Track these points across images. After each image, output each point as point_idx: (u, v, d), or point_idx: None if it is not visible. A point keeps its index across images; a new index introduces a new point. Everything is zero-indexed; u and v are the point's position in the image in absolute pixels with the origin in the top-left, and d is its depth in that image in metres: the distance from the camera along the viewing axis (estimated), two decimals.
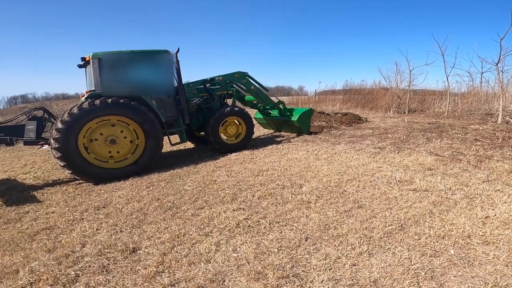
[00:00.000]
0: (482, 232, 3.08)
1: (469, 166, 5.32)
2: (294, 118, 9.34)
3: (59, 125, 5.66)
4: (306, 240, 3.19)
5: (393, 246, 2.94)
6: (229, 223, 3.66)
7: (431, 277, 2.45)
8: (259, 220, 3.71)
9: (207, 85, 8.24)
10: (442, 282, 2.40)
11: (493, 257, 2.66)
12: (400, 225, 3.34)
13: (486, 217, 3.41)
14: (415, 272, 2.52)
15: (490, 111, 12.38)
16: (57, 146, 5.64)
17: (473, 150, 6.40)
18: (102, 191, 5.40)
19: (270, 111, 9.86)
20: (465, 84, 15.29)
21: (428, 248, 2.86)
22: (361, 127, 10.70)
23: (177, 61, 7.01)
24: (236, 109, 8.13)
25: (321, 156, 6.65)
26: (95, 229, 3.78)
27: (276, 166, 6.03)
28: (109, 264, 2.99)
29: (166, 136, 7.09)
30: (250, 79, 8.91)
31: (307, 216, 3.73)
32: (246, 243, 3.20)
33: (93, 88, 6.29)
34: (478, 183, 4.45)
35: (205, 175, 5.84)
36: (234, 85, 8.80)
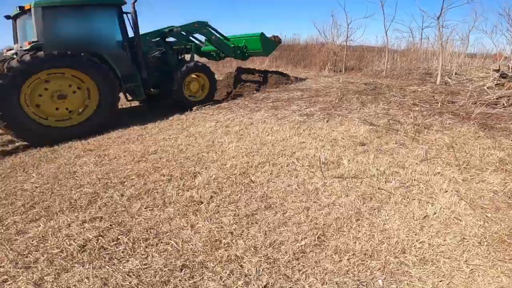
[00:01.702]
0: (420, 243, 2.58)
1: (406, 139, 4.98)
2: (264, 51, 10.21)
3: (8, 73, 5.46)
4: (180, 270, 2.39)
5: (299, 277, 2.28)
6: (70, 244, 2.69)
7: None
8: (119, 237, 2.80)
9: (165, 38, 8.58)
10: None
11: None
12: (317, 237, 2.70)
13: (425, 216, 2.94)
14: None
15: (429, 70, 12.71)
16: None
17: (411, 117, 6.14)
18: None
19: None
20: (405, 41, 15.59)
21: (350, 278, 2.25)
22: (290, 88, 10.07)
23: (135, 12, 7.21)
24: (200, 64, 8.66)
25: (232, 128, 5.82)
26: None
27: (169, 146, 5.08)
28: None
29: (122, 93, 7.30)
30: (210, 29, 9.22)
31: (193, 227, 2.92)
32: (86, 278, 2.31)
33: (35, 39, 6.14)
34: (416, 163, 4.06)
35: (64, 163, 4.63)
36: (191, 37, 9.38)
